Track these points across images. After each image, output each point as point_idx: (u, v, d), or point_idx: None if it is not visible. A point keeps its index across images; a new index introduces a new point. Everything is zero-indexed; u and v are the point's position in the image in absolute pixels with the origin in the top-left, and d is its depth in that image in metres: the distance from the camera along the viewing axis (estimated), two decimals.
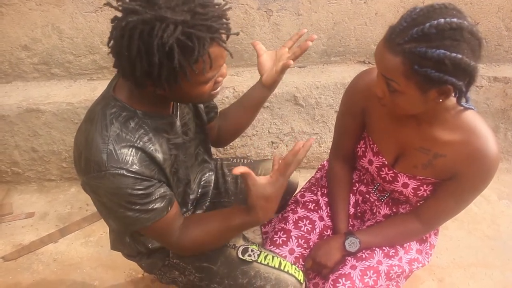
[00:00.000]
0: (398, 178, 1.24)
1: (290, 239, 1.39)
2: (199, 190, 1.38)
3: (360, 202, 1.44)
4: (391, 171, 1.25)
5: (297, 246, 1.38)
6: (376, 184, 1.37)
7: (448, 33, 0.88)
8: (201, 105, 1.28)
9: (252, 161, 1.58)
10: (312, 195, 1.50)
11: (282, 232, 1.41)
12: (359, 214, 1.46)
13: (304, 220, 1.43)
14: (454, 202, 1.18)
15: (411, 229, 1.29)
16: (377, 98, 1.08)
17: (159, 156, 1.02)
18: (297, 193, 1.58)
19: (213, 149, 2.24)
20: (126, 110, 0.98)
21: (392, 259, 1.31)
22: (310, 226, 1.42)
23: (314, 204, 1.47)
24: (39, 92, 2.08)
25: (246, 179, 1.00)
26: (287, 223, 1.43)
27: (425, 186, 1.21)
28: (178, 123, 1.12)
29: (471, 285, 1.75)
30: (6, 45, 2.01)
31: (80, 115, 2.03)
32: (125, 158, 0.94)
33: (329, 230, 1.44)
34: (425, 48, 0.89)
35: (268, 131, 2.22)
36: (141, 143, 0.98)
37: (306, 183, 1.61)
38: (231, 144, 2.24)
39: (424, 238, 1.38)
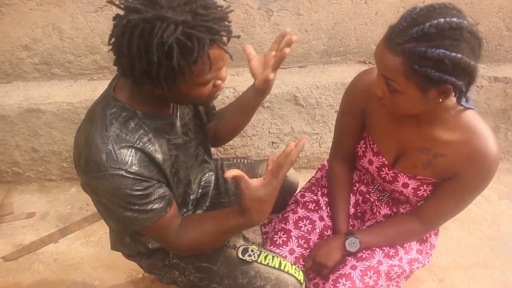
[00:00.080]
0: (398, 178, 1.24)
1: (290, 239, 1.39)
2: (199, 191, 1.38)
3: (360, 202, 1.44)
4: (391, 171, 1.25)
5: (297, 246, 1.38)
6: (376, 184, 1.37)
7: (448, 33, 0.88)
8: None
9: (252, 161, 1.58)
10: (312, 195, 1.50)
11: (282, 232, 1.41)
12: (359, 214, 1.46)
13: (304, 220, 1.43)
14: (454, 202, 1.18)
15: (411, 229, 1.29)
16: (377, 98, 1.08)
17: (159, 156, 1.02)
18: (297, 193, 1.58)
19: (213, 149, 2.24)
20: (126, 111, 0.98)
21: (393, 259, 1.31)
22: (310, 226, 1.42)
23: (314, 204, 1.47)
24: (40, 92, 2.08)
25: (239, 182, 1.00)
26: (287, 223, 1.43)
27: (425, 186, 1.21)
28: (178, 123, 1.12)
29: (471, 285, 1.75)
30: (7, 45, 2.02)
31: (81, 115, 2.03)
32: (124, 159, 0.94)
33: (329, 230, 1.44)
34: (425, 47, 0.89)
35: (269, 131, 2.22)
36: (140, 143, 0.98)
37: (306, 183, 1.61)
38: (231, 144, 2.24)
39: (425, 238, 1.37)
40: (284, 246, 1.38)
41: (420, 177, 1.20)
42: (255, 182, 1.00)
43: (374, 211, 1.40)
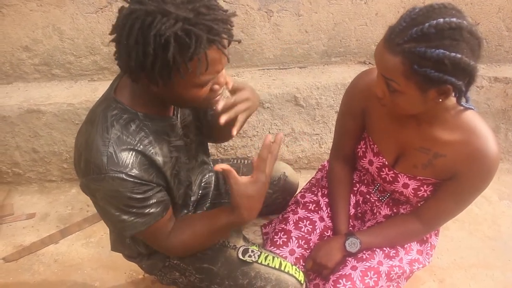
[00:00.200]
0: (399, 179, 1.24)
1: (291, 240, 1.39)
2: (200, 192, 1.38)
3: (360, 202, 1.44)
4: (392, 172, 1.25)
5: (298, 247, 1.38)
6: (377, 184, 1.37)
7: (447, 33, 0.88)
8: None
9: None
10: (313, 195, 1.50)
11: (282, 232, 1.41)
12: (360, 215, 1.46)
13: (305, 220, 1.43)
14: (454, 202, 1.18)
15: (411, 229, 1.29)
16: (377, 98, 1.08)
17: (159, 159, 1.02)
18: (297, 194, 1.58)
19: (213, 150, 2.25)
20: (127, 113, 0.98)
21: (393, 259, 1.31)
22: (311, 226, 1.42)
23: (314, 205, 1.47)
24: (40, 93, 2.08)
25: (228, 178, 1.01)
26: (288, 224, 1.43)
27: (425, 186, 1.21)
28: (179, 125, 1.12)
29: (472, 286, 1.75)
30: (7, 46, 2.02)
31: (81, 116, 2.04)
32: (125, 162, 0.94)
33: (329, 231, 1.44)
34: (425, 48, 0.89)
35: (269, 132, 2.22)
36: (141, 146, 0.98)
37: (307, 183, 1.61)
38: (231, 145, 2.25)
39: (425, 238, 1.37)
40: (284, 247, 1.38)
41: (420, 178, 1.20)
42: (244, 179, 1.02)
43: (375, 211, 1.40)
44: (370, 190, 1.40)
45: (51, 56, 2.07)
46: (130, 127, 0.97)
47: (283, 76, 2.15)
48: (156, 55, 0.82)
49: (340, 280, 1.25)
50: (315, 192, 1.51)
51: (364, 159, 1.31)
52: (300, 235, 1.40)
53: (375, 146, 1.27)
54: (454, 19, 0.88)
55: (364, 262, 1.29)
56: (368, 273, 1.26)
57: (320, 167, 1.61)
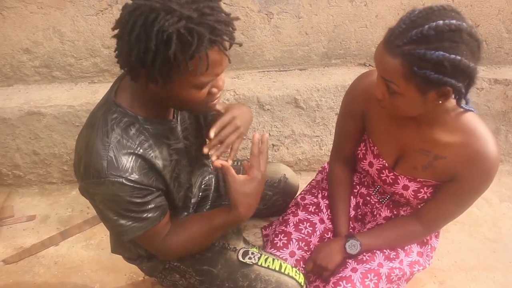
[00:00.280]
0: (399, 180, 1.24)
1: (291, 242, 1.39)
2: (200, 194, 1.39)
3: (360, 204, 1.44)
4: (392, 173, 1.25)
5: (298, 249, 1.38)
6: (377, 186, 1.37)
7: (447, 35, 0.88)
8: None
9: None
10: (313, 197, 1.50)
11: (282, 234, 1.41)
12: (360, 217, 1.46)
13: (305, 222, 1.43)
14: (454, 204, 1.18)
15: (412, 231, 1.29)
16: (377, 100, 1.08)
17: (159, 163, 1.02)
18: (297, 196, 1.58)
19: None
20: (127, 116, 0.98)
21: (393, 261, 1.30)
22: (311, 228, 1.42)
23: (314, 207, 1.47)
24: (40, 95, 2.08)
25: (226, 174, 1.03)
26: (288, 226, 1.43)
27: (425, 188, 1.21)
28: (179, 127, 1.12)
29: None
30: (8, 48, 2.02)
31: (81, 118, 2.04)
32: (125, 166, 0.94)
33: (329, 233, 1.44)
34: (424, 50, 0.89)
35: (269, 134, 2.22)
36: (141, 150, 0.98)
37: (307, 185, 1.61)
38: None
39: (425, 240, 1.37)
40: (284, 249, 1.38)
41: (421, 179, 1.20)
42: (241, 177, 1.04)
43: (375, 213, 1.40)
44: (370, 192, 1.40)
45: (52, 58, 2.07)
46: (130, 130, 0.97)
47: (283, 78, 2.15)
48: (158, 51, 0.81)
49: (341, 282, 1.25)
50: (315, 194, 1.51)
51: (364, 161, 1.31)
52: (300, 237, 1.40)
53: (375, 148, 1.27)
54: (453, 21, 0.88)
55: (364, 264, 1.29)
56: (369, 275, 1.26)
57: (320, 169, 1.61)
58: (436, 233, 1.40)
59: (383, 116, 1.21)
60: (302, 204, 1.49)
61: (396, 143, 1.21)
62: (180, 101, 0.94)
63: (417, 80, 0.93)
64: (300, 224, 1.43)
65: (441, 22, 0.88)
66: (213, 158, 1.08)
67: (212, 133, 1.07)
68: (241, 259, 1.25)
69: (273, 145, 2.28)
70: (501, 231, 2.00)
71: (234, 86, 2.10)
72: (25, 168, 2.18)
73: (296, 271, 1.27)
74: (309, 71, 2.23)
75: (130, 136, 0.97)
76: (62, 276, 1.80)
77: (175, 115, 1.12)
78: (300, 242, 1.39)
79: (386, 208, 1.37)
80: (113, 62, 2.13)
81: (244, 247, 1.28)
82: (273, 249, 1.38)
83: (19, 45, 2.02)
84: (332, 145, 1.46)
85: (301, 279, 1.26)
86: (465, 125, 1.08)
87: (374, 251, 1.32)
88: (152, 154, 1.00)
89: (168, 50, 0.80)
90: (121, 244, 1.31)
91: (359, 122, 1.30)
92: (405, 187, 1.23)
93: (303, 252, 1.38)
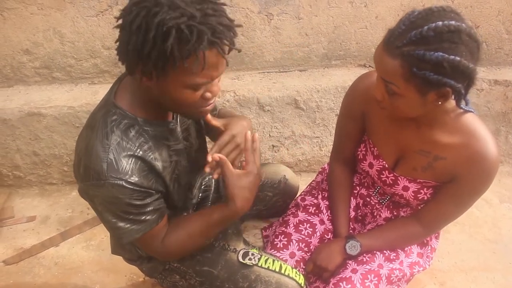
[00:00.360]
0: (399, 181, 1.24)
1: (291, 243, 1.39)
2: (200, 194, 1.39)
3: (360, 205, 1.44)
4: (392, 174, 1.25)
5: (298, 250, 1.38)
6: (377, 187, 1.37)
7: (446, 36, 0.88)
8: None
9: None
10: (313, 198, 1.50)
11: (282, 235, 1.41)
12: (360, 218, 1.46)
13: (305, 223, 1.43)
14: (454, 205, 1.18)
15: (412, 232, 1.29)
16: (377, 101, 1.08)
17: (159, 164, 1.02)
18: (298, 197, 1.58)
19: None
20: (127, 118, 0.98)
21: (393, 262, 1.30)
22: (311, 229, 1.42)
23: (314, 208, 1.47)
24: (41, 96, 2.08)
25: (223, 168, 1.04)
26: (288, 227, 1.43)
27: (425, 189, 1.21)
28: (178, 129, 1.12)
29: None
30: (8, 49, 2.02)
31: (82, 119, 2.04)
32: (125, 168, 0.94)
33: (329, 234, 1.44)
34: (424, 50, 0.89)
35: (269, 135, 2.22)
36: (141, 152, 0.98)
37: (307, 186, 1.61)
38: None
39: (425, 241, 1.37)
40: (284, 250, 1.38)
41: (420, 180, 1.20)
42: (237, 171, 1.06)
43: (375, 214, 1.40)
44: (370, 192, 1.40)
45: (52, 59, 2.07)
46: (130, 132, 0.97)
47: (283, 79, 2.16)
48: (155, 43, 0.81)
49: (341, 283, 1.25)
50: (316, 195, 1.51)
51: (364, 161, 1.32)
52: (301, 238, 1.40)
53: (375, 148, 1.27)
54: (453, 22, 0.89)
55: (365, 265, 1.29)
56: (369, 276, 1.26)
57: (320, 170, 1.61)
58: (436, 234, 1.40)
59: (383, 117, 1.21)
60: (302, 205, 1.49)
61: (396, 144, 1.21)
62: (173, 101, 0.93)
63: (416, 81, 0.93)
64: (300, 225, 1.43)
65: (440, 23, 0.88)
66: (215, 176, 1.10)
67: (209, 158, 1.06)
68: (241, 260, 1.25)
69: (273, 146, 2.28)
70: (501, 232, 2.00)
71: (234, 87, 2.10)
72: (25, 169, 2.18)
73: (296, 272, 1.27)
74: (309, 72, 2.23)
75: (130, 138, 0.97)
76: (63, 277, 1.79)
77: (174, 116, 1.12)
78: (300, 243, 1.39)
79: (386, 209, 1.37)
80: (113, 63, 2.14)
81: (244, 248, 1.28)
82: (273, 250, 1.38)
83: (20, 46, 2.02)
84: (332, 146, 1.46)
85: (301, 280, 1.26)
86: (465, 126, 1.08)
87: (374, 252, 1.32)
88: (152, 156, 1.00)
89: (165, 43, 0.80)
90: (121, 245, 1.31)
91: (359, 123, 1.30)
92: (405, 188, 1.23)
93: (303, 253, 1.38)
